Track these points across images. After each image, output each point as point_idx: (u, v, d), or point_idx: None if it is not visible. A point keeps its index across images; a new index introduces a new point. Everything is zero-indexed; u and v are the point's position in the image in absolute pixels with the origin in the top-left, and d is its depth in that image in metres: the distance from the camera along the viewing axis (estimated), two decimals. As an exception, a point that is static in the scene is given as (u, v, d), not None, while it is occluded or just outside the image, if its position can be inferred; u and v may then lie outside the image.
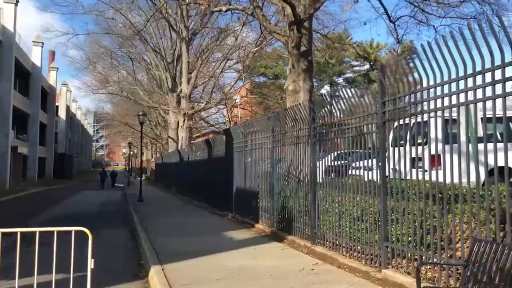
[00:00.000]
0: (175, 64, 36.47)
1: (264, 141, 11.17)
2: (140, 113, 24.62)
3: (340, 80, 48.81)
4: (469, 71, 4.72)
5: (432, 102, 5.35)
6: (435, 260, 5.14)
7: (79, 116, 69.90)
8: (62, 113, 53.45)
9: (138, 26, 30.44)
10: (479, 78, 4.61)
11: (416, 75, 5.76)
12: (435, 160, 5.43)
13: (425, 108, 5.47)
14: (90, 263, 4.37)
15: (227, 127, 21.27)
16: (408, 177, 5.76)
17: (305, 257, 7.60)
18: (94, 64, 41.74)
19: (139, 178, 28.09)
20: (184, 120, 31.27)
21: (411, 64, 5.72)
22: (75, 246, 4.37)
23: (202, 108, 33.98)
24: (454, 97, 4.98)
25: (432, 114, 5.37)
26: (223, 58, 31.74)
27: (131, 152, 64.24)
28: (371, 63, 44.25)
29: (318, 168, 8.27)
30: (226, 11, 15.24)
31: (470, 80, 4.76)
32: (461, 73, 4.83)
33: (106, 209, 18.50)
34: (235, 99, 35.83)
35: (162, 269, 6.62)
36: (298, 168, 9.22)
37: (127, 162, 71.59)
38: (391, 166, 6.22)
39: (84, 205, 19.82)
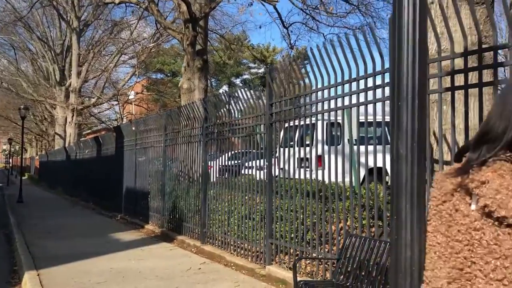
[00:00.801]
0: (64, 55, 34.18)
1: (156, 140, 10.94)
2: (22, 107, 22.68)
3: (238, 81, 49.57)
4: (346, 77, 5.06)
5: (315, 106, 5.66)
6: (314, 255, 5.43)
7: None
8: None
9: (23, 11, 28.04)
10: (354, 85, 4.96)
11: (304, 79, 6.06)
12: (319, 160, 5.75)
13: (312, 111, 5.78)
14: None
15: (119, 124, 20.45)
16: (295, 177, 6.01)
17: (193, 256, 7.58)
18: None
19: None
20: (72, 116, 29.46)
21: (301, 68, 6.00)
22: None
23: (92, 103, 32.28)
24: (338, 101, 5.30)
25: (317, 116, 5.68)
26: (117, 52, 30.50)
27: (12, 149, 58.99)
28: (268, 66, 45.60)
29: (212, 168, 8.31)
30: (119, 3, 14.64)
31: (347, 86, 5.11)
32: (339, 80, 5.16)
33: (-21, 211, 16.75)
34: (129, 95, 34.55)
35: (38, 275, 6.15)
36: (190, 167, 9.17)
37: (8, 159, 65.61)
38: (281, 166, 6.46)
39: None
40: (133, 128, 12.67)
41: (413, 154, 1.18)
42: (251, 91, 7.13)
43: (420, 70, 1.18)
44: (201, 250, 7.84)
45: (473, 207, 1.10)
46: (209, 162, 8.52)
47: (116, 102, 33.14)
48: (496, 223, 1.07)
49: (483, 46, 3.73)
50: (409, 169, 1.18)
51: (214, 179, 8.23)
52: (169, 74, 46.53)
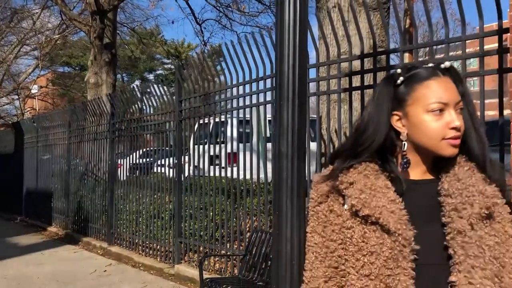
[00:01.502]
0: (-44, 44, 31.02)
1: (60, 137, 10.33)
2: None
3: (151, 76, 48.31)
4: (254, 76, 5.14)
5: (225, 103, 5.69)
6: (223, 252, 5.46)
7: None
8: None
9: None
10: (261, 83, 5.06)
11: (214, 76, 6.04)
12: (231, 157, 5.78)
13: (223, 108, 5.79)
14: None
15: (19, 120, 19.00)
16: (207, 174, 5.98)
17: (99, 258, 7.27)
18: None
19: None
20: (-35, 110, 26.86)
21: (212, 65, 5.98)
22: None
23: (-11, 97, 29.67)
24: (247, 99, 5.36)
25: (227, 114, 5.70)
26: (18, 43, 28.31)
27: None
28: (177, 62, 45.10)
29: (122, 166, 8.01)
30: (18, -10, 13.59)
31: (255, 85, 5.19)
32: (247, 78, 5.22)
33: None
34: (32, 89, 32.25)
35: None
36: (96, 165, 8.78)
37: None
38: (195, 164, 6.40)
39: None
40: (35, 124, 11.85)
41: (293, 151, 1.23)
42: (160, 86, 6.98)
43: (300, 71, 1.23)
44: (108, 252, 7.54)
45: (346, 207, 1.17)
46: (118, 160, 8.22)
47: (16, 97, 30.74)
48: (363, 221, 1.14)
49: (378, 50, 3.99)
50: (290, 165, 1.22)
51: (123, 178, 7.95)
52: (77, 68, 44.11)
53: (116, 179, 8.06)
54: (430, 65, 1.23)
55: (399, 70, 1.21)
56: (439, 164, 1.22)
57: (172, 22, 44.05)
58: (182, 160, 6.39)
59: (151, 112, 7.35)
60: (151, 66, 47.86)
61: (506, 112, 3.08)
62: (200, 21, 15.51)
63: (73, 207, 9.51)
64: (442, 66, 1.20)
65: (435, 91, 1.16)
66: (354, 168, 1.18)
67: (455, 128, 1.14)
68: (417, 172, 1.21)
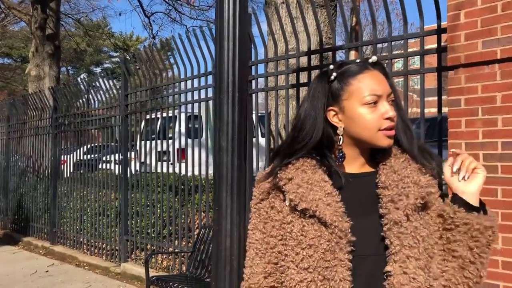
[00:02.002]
0: None
1: (-3, 132, 9.80)
2: None
3: (98, 69, 46.80)
4: (203, 71, 5.08)
5: (172, 98, 5.59)
6: (170, 249, 5.37)
7: None
8: None
9: None
10: (209, 78, 5.00)
11: (161, 69, 5.91)
12: (181, 153, 5.69)
13: (170, 103, 5.67)
14: None
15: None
16: (156, 170, 5.85)
17: (40, 259, 6.97)
18: None
19: None
20: None
21: (161, 58, 5.84)
22: None
23: None
24: (195, 94, 5.28)
25: (174, 109, 5.60)
26: (-48, 32, 26.59)
27: None
28: (123, 55, 44.11)
29: (66, 162, 7.68)
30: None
31: (204, 79, 5.12)
32: (196, 72, 5.15)
33: None
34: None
35: None
36: (38, 162, 8.40)
37: None
38: (141, 160, 6.25)
39: None
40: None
41: (234, 147, 1.21)
42: (106, 80, 6.75)
43: (241, 67, 1.21)
44: (51, 252, 7.25)
45: (286, 203, 1.18)
46: (62, 156, 7.90)
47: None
48: (301, 215, 1.15)
49: (325, 46, 4.04)
50: (230, 161, 1.20)
51: (67, 175, 7.65)
52: (18, 59, 42.01)
53: (60, 176, 7.75)
54: (358, 60, 1.25)
55: (331, 67, 1.23)
56: (376, 157, 1.24)
57: (120, 14, 42.66)
58: (129, 156, 6.23)
59: (94, 106, 7.11)
60: (98, 59, 46.36)
61: (444, 109, 3.22)
62: (148, 14, 15.17)
63: (12, 205, 9.06)
64: (370, 60, 1.22)
65: (368, 84, 1.18)
66: (292, 165, 1.19)
67: (390, 118, 1.17)
68: (356, 165, 1.23)
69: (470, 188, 1.18)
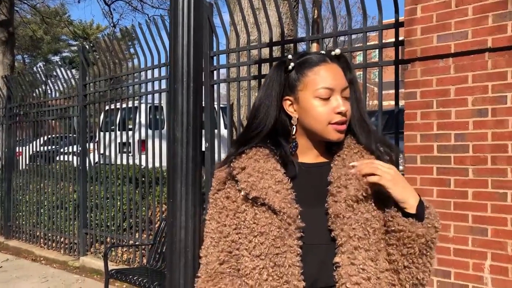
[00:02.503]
0: None
1: None
2: None
3: (57, 58, 45.27)
4: (163, 61, 4.98)
5: (132, 88, 5.48)
6: (131, 242, 5.29)
7: None
8: None
9: None
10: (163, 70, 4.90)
11: (120, 59, 5.77)
12: (142, 145, 5.58)
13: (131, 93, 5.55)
14: None
15: None
16: (116, 162, 5.71)
17: (-6, 254, 6.72)
18: None
19: None
20: None
21: (120, 49, 5.69)
22: None
23: None
24: (156, 84, 5.17)
25: (134, 99, 5.49)
26: None
27: None
28: (82, 44, 42.91)
29: (22, 154, 7.40)
30: None
31: (164, 69, 5.03)
32: (156, 62, 5.04)
33: None
34: None
35: None
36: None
37: None
38: (101, 151, 6.09)
39: None
40: None
41: (188, 137, 1.19)
42: (64, 69, 6.53)
43: (197, 55, 1.19)
44: (5, 246, 7.00)
45: (243, 192, 1.17)
46: (18, 148, 7.61)
47: None
48: (254, 204, 1.15)
49: (287, 38, 4.05)
50: (184, 151, 1.19)
51: (24, 167, 7.38)
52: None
53: (14, 168, 7.47)
54: (322, 52, 1.26)
55: (290, 56, 1.23)
56: (332, 148, 1.25)
57: (79, 1, 41.36)
58: (88, 147, 6.08)
59: (51, 96, 6.87)
60: (56, 48, 44.82)
61: (401, 102, 3.30)
62: (108, 2, 14.76)
63: (-36, 199, 8.68)
64: (333, 53, 1.23)
65: (323, 77, 1.18)
66: (246, 154, 1.19)
67: (341, 113, 1.17)
68: (310, 156, 1.24)
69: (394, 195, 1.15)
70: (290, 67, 1.21)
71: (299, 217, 1.14)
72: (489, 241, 2.52)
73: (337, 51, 1.23)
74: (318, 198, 1.19)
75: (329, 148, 1.27)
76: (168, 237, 1.20)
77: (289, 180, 1.18)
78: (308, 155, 1.24)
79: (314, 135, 1.21)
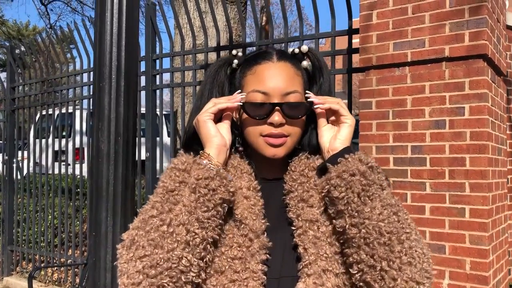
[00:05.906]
0: None
1: None
2: None
3: (-12, 60, 42.68)
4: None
5: (66, 91, 5.05)
6: (62, 260, 4.83)
7: None
8: None
9: None
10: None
11: (54, 61, 5.31)
12: (77, 153, 5.18)
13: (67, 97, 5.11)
14: None
15: None
16: (48, 172, 5.24)
17: None
18: None
19: None
20: None
21: (53, 51, 5.23)
22: None
23: None
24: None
25: (68, 104, 5.05)
26: None
27: None
28: (9, 44, 41.05)
29: None
30: None
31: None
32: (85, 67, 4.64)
33: None
34: None
35: None
36: None
37: None
38: (36, 160, 5.57)
39: None
40: None
41: (118, 151, 0.92)
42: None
43: (129, 49, 0.94)
44: None
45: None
46: None
47: None
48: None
49: (235, 43, 3.84)
50: (112, 170, 0.91)
51: None
52: None
53: None
54: (277, 49, 1.06)
55: (235, 52, 1.03)
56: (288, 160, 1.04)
57: (12, 0, 39.31)
58: (22, 155, 5.55)
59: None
60: (-13, 48, 42.24)
61: (354, 111, 3.17)
62: (45, 2, 13.96)
63: None
64: (297, 50, 1.02)
65: (258, 77, 0.97)
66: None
67: (272, 124, 0.96)
68: (269, 170, 1.03)
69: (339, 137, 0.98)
70: (234, 64, 1.02)
71: (265, 234, 0.92)
72: (447, 259, 2.42)
73: (304, 48, 1.03)
74: (278, 218, 0.98)
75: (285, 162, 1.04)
76: (89, 283, 0.93)
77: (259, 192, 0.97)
78: (266, 169, 1.02)
79: (252, 148, 1.00)
